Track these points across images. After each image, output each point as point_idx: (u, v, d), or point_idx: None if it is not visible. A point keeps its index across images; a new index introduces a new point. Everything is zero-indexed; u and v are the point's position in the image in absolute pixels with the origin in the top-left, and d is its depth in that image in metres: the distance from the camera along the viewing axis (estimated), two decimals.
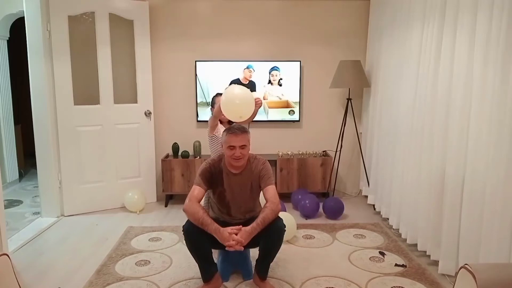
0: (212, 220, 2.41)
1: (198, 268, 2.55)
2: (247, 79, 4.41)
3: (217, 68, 4.39)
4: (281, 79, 4.42)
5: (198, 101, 4.45)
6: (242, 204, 2.63)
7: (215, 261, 2.69)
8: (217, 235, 2.36)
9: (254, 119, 4.38)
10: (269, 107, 4.46)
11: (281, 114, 4.50)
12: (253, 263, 2.81)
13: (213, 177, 2.58)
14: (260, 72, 4.40)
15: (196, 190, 2.52)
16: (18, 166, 5.22)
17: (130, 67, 4.21)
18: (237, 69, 4.40)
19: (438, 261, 2.77)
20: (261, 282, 2.60)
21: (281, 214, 2.58)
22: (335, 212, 3.90)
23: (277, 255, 2.61)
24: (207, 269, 2.57)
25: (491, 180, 2.28)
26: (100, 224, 3.78)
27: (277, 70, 4.40)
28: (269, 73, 4.40)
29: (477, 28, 2.40)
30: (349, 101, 4.33)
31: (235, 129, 2.52)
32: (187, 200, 2.49)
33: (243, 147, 2.49)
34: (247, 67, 4.39)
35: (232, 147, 2.49)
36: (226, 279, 2.71)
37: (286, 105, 4.47)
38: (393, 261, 2.98)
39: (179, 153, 4.38)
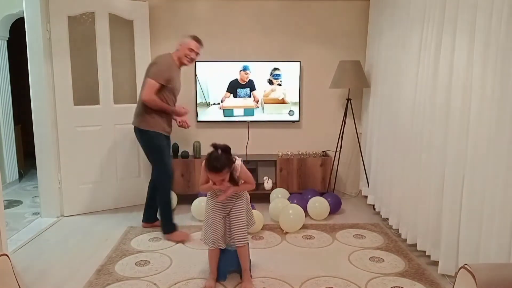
0: (168, 105, 3.29)
1: (198, 268, 2.52)
2: (244, 80, 4.41)
3: (217, 68, 4.39)
4: (280, 80, 4.44)
5: (198, 101, 4.44)
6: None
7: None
8: (174, 112, 3.36)
9: (254, 119, 4.44)
10: (265, 103, 4.46)
11: (278, 110, 4.48)
12: (253, 262, 2.82)
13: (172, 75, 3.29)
14: (260, 72, 4.40)
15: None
16: (18, 166, 5.22)
17: (130, 67, 4.20)
18: (237, 69, 4.40)
19: (438, 261, 2.77)
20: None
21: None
22: (334, 206, 3.93)
23: (277, 255, 2.60)
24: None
25: (491, 180, 2.28)
26: (100, 224, 3.77)
27: (280, 76, 4.42)
28: (271, 75, 4.41)
29: (476, 27, 2.40)
30: (349, 101, 4.33)
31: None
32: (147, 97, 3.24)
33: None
34: (243, 69, 4.39)
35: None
36: (223, 279, 2.70)
37: (282, 101, 4.47)
38: (393, 261, 2.98)
39: (179, 154, 4.38)
